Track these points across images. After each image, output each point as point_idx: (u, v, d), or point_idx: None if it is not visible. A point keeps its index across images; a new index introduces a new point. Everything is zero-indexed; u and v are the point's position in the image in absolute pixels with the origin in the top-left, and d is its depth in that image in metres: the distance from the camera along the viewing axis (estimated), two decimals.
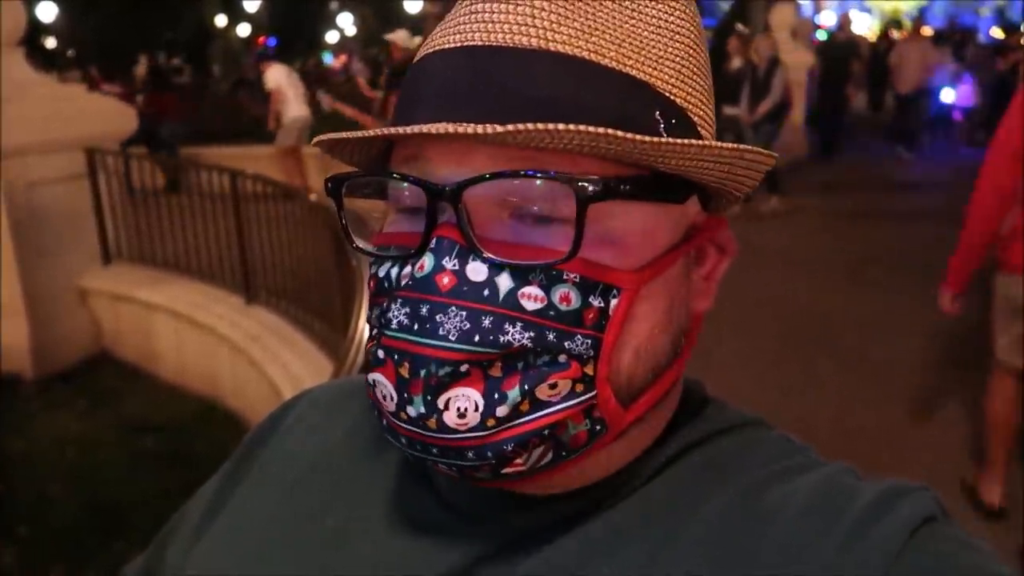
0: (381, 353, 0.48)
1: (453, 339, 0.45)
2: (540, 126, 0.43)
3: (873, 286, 5.87)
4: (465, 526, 0.53)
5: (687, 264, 0.54)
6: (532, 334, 0.46)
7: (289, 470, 0.63)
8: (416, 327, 0.46)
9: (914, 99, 10.92)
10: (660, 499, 0.52)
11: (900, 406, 4.01)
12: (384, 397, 0.48)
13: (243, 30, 27.47)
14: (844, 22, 13.22)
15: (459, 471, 0.48)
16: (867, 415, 3.96)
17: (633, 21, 0.50)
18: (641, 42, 0.49)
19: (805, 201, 8.47)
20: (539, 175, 0.45)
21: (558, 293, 0.46)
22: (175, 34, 24.27)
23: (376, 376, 0.49)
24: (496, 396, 0.46)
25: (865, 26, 25.13)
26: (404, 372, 0.47)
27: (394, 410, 0.48)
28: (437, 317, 0.46)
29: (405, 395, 0.47)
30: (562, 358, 0.47)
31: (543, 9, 0.48)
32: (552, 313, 0.46)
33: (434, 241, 0.47)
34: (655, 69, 0.49)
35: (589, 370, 0.47)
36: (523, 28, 0.47)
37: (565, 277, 0.46)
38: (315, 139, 0.53)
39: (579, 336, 0.47)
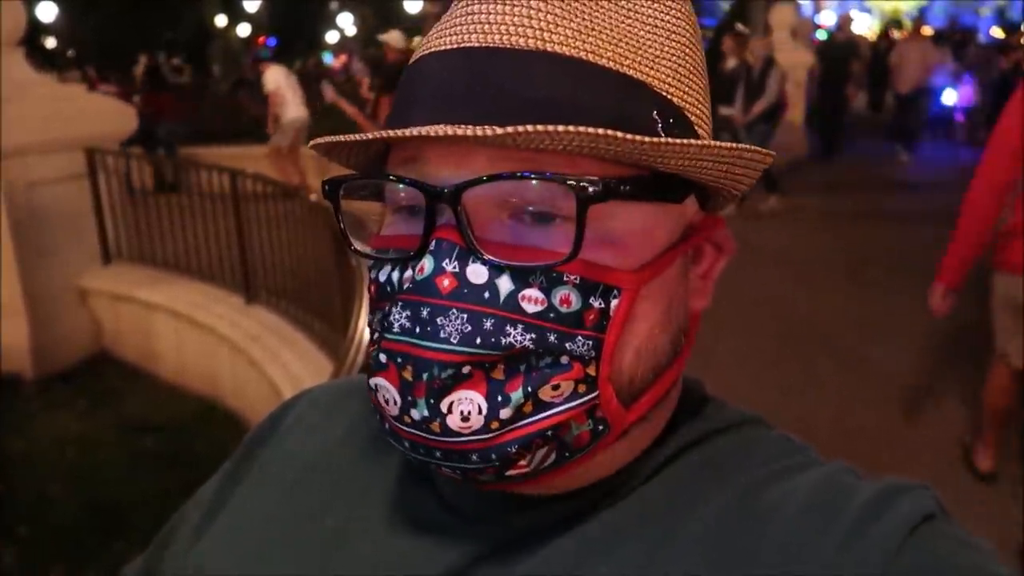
0: (383, 357, 0.48)
1: (455, 342, 0.45)
2: (541, 128, 0.42)
3: (873, 286, 5.86)
4: (465, 526, 0.53)
5: (685, 263, 0.54)
6: (533, 336, 0.46)
7: (289, 470, 0.63)
8: (418, 330, 0.46)
9: (914, 99, 10.92)
10: (658, 498, 0.52)
11: (900, 406, 4.01)
12: (386, 401, 0.48)
13: (243, 30, 27.46)
14: (844, 22, 13.22)
15: (463, 474, 0.48)
16: (867, 415, 3.96)
17: (629, 21, 0.50)
18: (638, 42, 0.49)
19: (805, 201, 8.47)
20: (540, 176, 0.45)
21: (558, 295, 0.46)
22: (175, 34, 24.25)
23: (378, 380, 0.48)
24: (499, 398, 0.46)
25: (865, 26, 25.13)
26: (407, 375, 0.46)
27: (397, 414, 0.48)
28: (438, 320, 0.45)
29: (409, 398, 0.47)
30: (564, 359, 0.47)
31: (540, 10, 0.48)
32: (552, 315, 0.46)
33: (433, 243, 0.46)
34: (652, 69, 0.49)
35: (591, 371, 0.47)
36: (520, 29, 0.47)
37: (565, 279, 0.46)
38: (312, 142, 0.53)
39: (580, 337, 0.47)
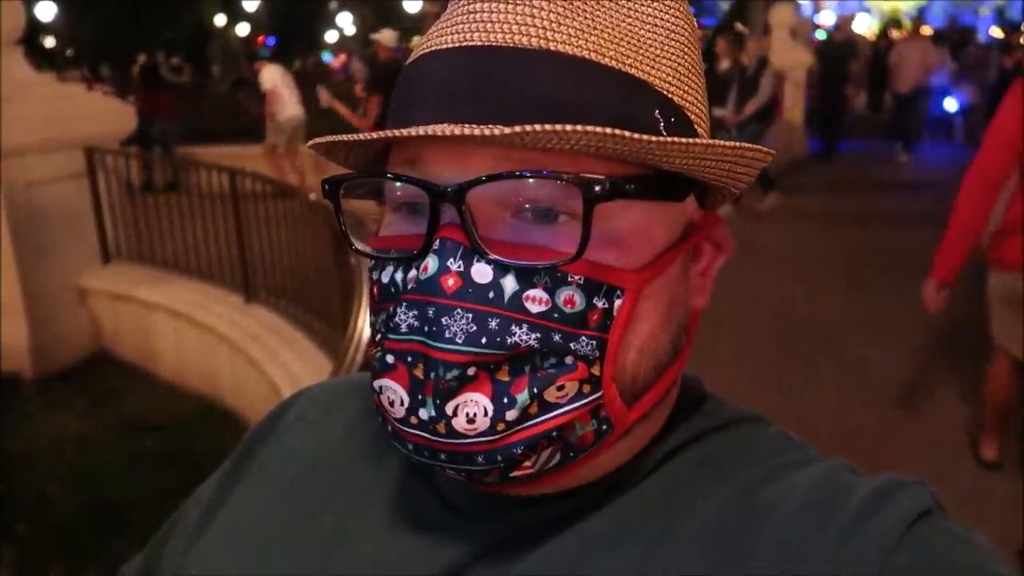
0: (390, 358, 0.47)
1: (460, 341, 0.45)
2: (549, 127, 0.42)
3: (872, 286, 5.86)
4: (465, 524, 0.53)
5: (685, 262, 0.54)
6: (539, 335, 0.46)
7: (288, 468, 0.63)
8: (427, 329, 0.46)
9: (913, 98, 10.92)
10: (657, 496, 0.52)
11: (899, 406, 4.01)
12: (391, 403, 0.48)
13: (242, 29, 27.45)
14: (843, 22, 13.23)
15: (467, 476, 0.48)
16: (866, 415, 3.96)
17: (630, 20, 0.50)
18: (639, 41, 0.49)
19: (804, 201, 8.46)
20: (552, 175, 0.45)
21: (563, 296, 0.46)
22: (174, 34, 24.23)
23: (384, 382, 0.48)
24: (505, 400, 0.46)
25: (864, 25, 25.12)
26: (419, 373, 0.46)
27: (403, 415, 0.47)
28: (443, 320, 0.45)
29: (419, 397, 0.46)
30: (568, 360, 0.47)
31: (542, 9, 0.48)
32: (557, 316, 0.46)
33: (437, 242, 0.46)
34: (653, 68, 0.49)
35: (595, 371, 0.47)
36: (523, 28, 0.47)
37: (569, 279, 0.46)
38: (312, 141, 0.52)
39: (584, 337, 0.47)
